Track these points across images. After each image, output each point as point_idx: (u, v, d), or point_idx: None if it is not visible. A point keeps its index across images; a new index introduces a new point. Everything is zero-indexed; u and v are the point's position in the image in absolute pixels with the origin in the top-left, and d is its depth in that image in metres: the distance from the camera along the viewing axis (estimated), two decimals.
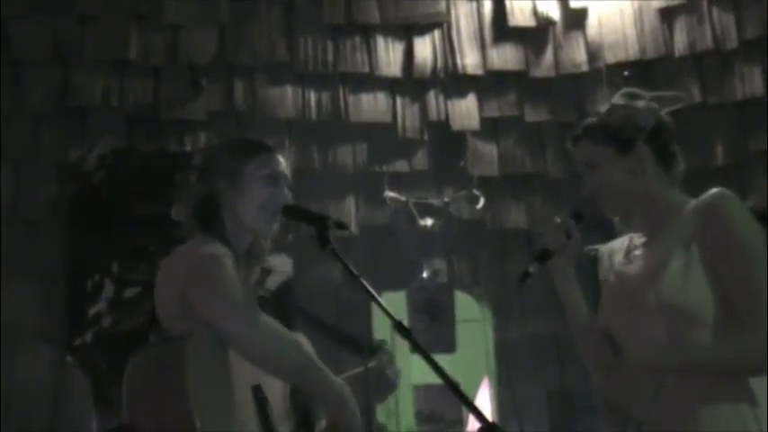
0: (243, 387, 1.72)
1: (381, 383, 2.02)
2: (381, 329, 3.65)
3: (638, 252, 1.91)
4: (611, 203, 1.88)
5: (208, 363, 1.68)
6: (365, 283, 1.70)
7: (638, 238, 1.93)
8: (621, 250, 1.95)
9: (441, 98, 3.96)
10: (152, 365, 1.70)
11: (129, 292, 3.46)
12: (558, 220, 1.92)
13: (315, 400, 1.82)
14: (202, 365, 1.66)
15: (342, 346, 2.05)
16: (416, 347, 1.64)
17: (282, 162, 1.92)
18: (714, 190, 1.82)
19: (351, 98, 3.89)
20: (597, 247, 3.52)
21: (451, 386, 1.56)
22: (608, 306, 1.92)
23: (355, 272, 1.71)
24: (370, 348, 1.97)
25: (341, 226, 1.81)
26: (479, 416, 1.51)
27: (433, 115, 3.93)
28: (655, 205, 1.86)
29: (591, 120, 1.92)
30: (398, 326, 1.64)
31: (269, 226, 1.89)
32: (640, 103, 1.90)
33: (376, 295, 1.69)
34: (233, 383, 1.71)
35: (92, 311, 3.40)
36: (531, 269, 1.87)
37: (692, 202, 1.84)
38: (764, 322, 1.71)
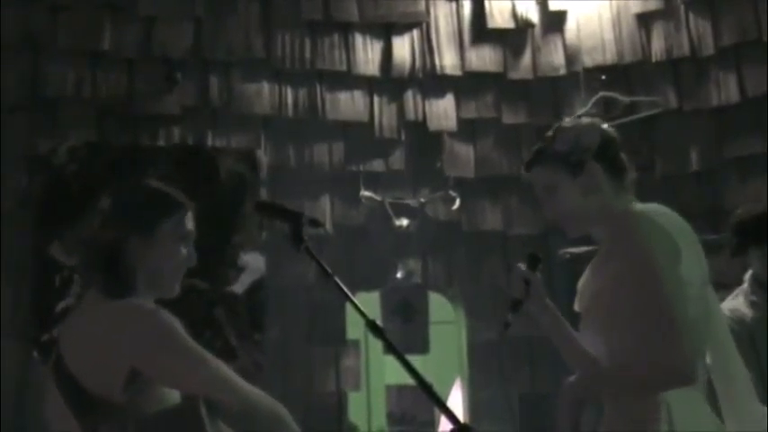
0: None
1: None
2: (354, 329, 3.63)
3: (593, 264, 1.96)
4: (572, 224, 1.94)
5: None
6: (339, 282, 1.67)
7: None
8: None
9: (418, 98, 3.95)
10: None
11: None
12: (518, 266, 2.00)
13: None
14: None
15: None
16: (390, 348, 1.62)
17: (192, 220, 1.84)
18: (630, 206, 1.86)
19: (328, 96, 3.86)
20: (571, 250, 3.53)
21: (425, 387, 1.54)
22: (580, 319, 1.97)
23: (329, 271, 1.68)
24: None
25: (315, 223, 1.78)
26: (452, 417, 1.49)
27: (410, 115, 3.92)
28: (610, 217, 1.89)
29: (540, 145, 1.96)
30: (372, 326, 1.62)
31: (177, 288, 1.83)
32: (585, 121, 1.96)
33: (350, 295, 1.67)
34: None
35: (59, 307, 3.34)
36: (509, 320, 1.94)
37: None
38: (674, 342, 1.72)
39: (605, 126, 1.96)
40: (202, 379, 1.66)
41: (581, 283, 1.98)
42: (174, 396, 1.70)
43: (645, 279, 1.75)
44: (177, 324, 1.69)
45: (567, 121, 1.98)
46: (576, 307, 1.96)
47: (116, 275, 1.73)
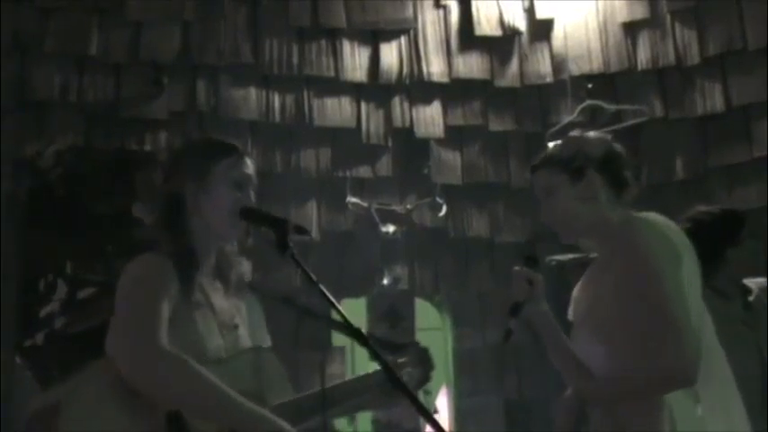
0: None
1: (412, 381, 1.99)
2: (340, 336, 3.62)
3: (590, 274, 1.98)
4: (565, 228, 2.00)
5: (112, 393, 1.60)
6: (324, 289, 1.67)
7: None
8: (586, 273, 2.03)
9: (405, 105, 3.95)
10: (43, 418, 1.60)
11: (84, 293, 3.39)
12: (518, 268, 2.00)
13: None
14: (105, 398, 1.59)
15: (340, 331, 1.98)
16: (375, 355, 1.62)
17: (250, 165, 1.88)
18: (629, 214, 1.90)
19: (315, 102, 3.86)
20: (557, 257, 3.55)
21: (409, 396, 1.55)
22: (572, 328, 1.99)
23: (314, 278, 1.68)
24: (395, 346, 1.96)
25: (301, 231, 1.77)
26: (436, 426, 1.50)
27: (397, 122, 3.92)
28: (605, 227, 1.94)
29: (548, 151, 2.03)
30: (357, 333, 1.62)
31: (234, 232, 1.85)
32: (592, 134, 2.05)
33: (335, 302, 1.67)
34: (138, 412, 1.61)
35: (43, 312, 3.32)
36: (511, 326, 1.95)
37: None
38: (675, 343, 1.76)
39: (614, 143, 2.03)
40: (114, 339, 1.64)
41: (576, 291, 2.00)
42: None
43: (647, 281, 1.80)
44: (157, 282, 1.68)
45: (577, 132, 2.09)
46: (571, 316, 1.98)
47: (172, 226, 1.78)
